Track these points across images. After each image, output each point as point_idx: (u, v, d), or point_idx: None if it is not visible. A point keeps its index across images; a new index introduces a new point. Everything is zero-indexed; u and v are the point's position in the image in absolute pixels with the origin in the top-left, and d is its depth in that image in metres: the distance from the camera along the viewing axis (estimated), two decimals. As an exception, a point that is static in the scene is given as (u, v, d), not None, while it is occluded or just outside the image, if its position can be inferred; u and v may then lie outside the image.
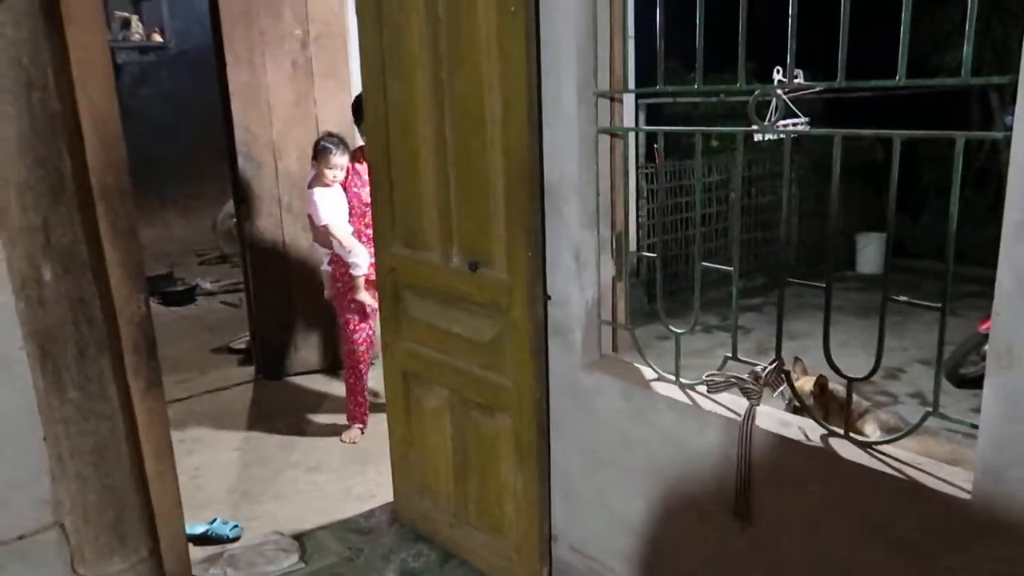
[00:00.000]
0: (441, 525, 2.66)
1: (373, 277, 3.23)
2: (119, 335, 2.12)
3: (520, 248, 2.10)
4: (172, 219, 7.30)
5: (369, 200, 2.90)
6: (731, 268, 1.81)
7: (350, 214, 3.48)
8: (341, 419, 3.77)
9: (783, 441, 1.69)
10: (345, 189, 3.48)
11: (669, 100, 6.22)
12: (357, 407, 3.64)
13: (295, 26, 4.20)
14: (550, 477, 2.30)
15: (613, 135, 2.04)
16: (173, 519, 2.34)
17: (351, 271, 3.43)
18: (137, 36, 6.20)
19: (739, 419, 1.74)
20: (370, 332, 3.60)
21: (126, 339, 2.14)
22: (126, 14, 6.15)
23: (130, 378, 2.16)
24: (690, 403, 1.87)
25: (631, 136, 5.22)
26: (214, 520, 2.86)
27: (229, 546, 2.75)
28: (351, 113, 3.53)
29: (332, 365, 4.51)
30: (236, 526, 2.87)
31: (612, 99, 2.02)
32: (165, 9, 6.43)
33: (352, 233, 3.46)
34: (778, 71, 2.77)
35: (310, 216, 3.53)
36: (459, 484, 2.53)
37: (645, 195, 6.02)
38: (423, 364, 2.54)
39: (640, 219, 6.17)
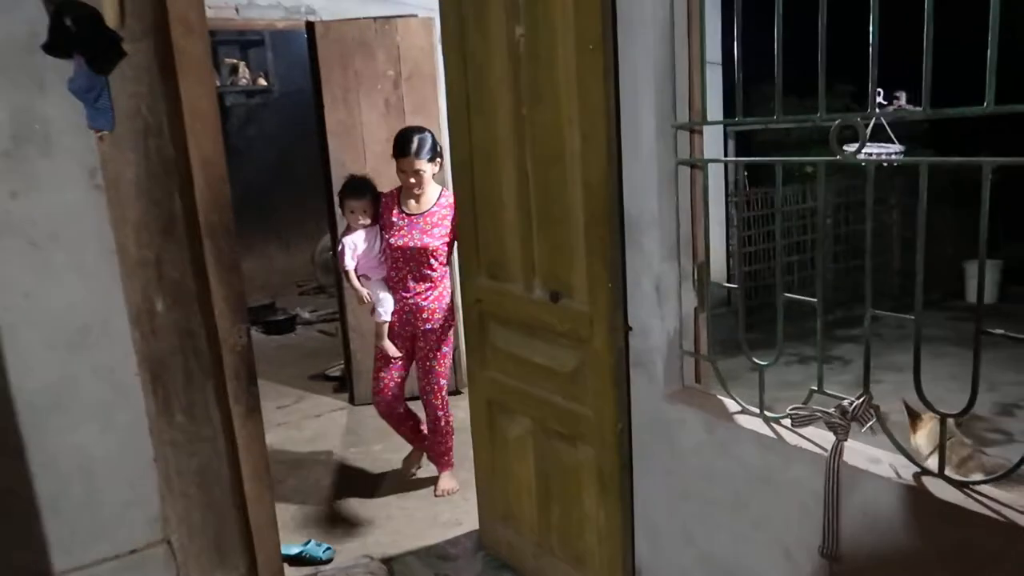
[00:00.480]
0: (525, 555, 2.68)
1: (397, 327, 3.31)
2: (222, 363, 2.26)
3: (600, 279, 2.12)
4: (274, 252, 7.66)
5: (394, 242, 3.18)
6: (815, 299, 1.77)
7: (383, 259, 3.33)
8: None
9: (873, 479, 1.63)
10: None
11: (760, 127, 6.15)
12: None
13: (388, 67, 4.40)
14: (633, 509, 2.28)
15: (693, 166, 2.04)
16: (269, 539, 2.44)
17: (374, 317, 3.36)
18: (244, 81, 6.61)
19: (826, 455, 1.69)
20: (391, 383, 3.37)
21: (228, 367, 2.28)
22: (234, 60, 6.58)
23: (232, 403, 2.29)
24: (775, 437, 1.83)
25: (720, 165, 5.19)
26: (308, 542, 2.98)
27: (322, 568, 2.85)
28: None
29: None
30: (328, 548, 2.97)
31: (691, 131, 2.02)
32: (270, 55, 6.84)
33: (382, 279, 3.34)
34: (879, 93, 2.70)
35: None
36: (542, 514, 2.55)
37: (735, 224, 5.94)
38: (506, 393, 2.58)
39: (731, 248, 6.09)
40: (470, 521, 3.05)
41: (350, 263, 3.26)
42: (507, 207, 2.40)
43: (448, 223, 3.20)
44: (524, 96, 2.24)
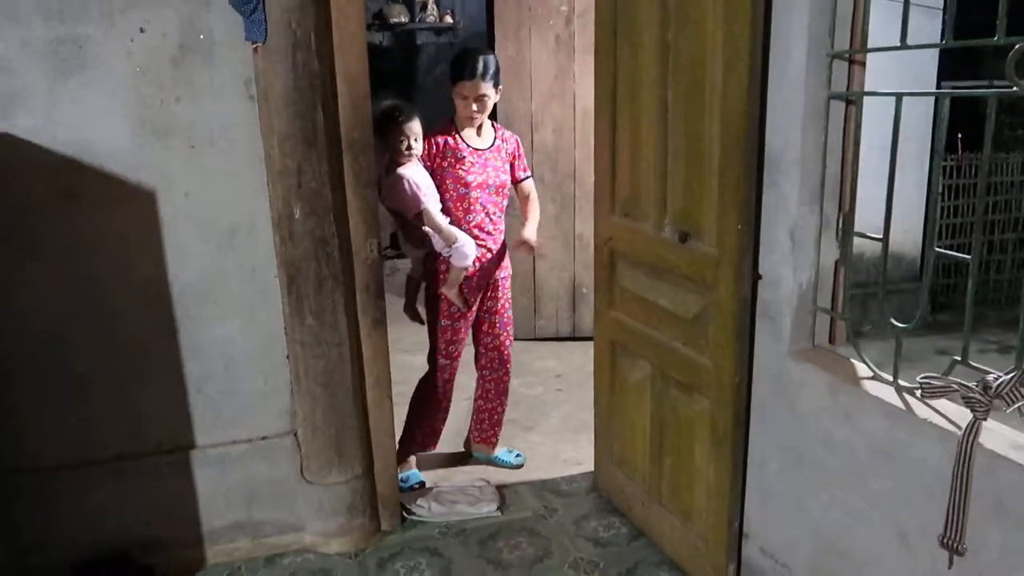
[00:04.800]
0: (634, 501, 2.62)
1: (476, 278, 2.85)
2: (352, 274, 2.37)
3: (731, 221, 1.97)
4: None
5: (471, 180, 2.76)
6: (968, 256, 1.53)
7: (444, 198, 2.80)
8: (570, 386, 3.83)
9: (1013, 467, 1.40)
10: (430, 172, 2.79)
11: (986, 83, 5.38)
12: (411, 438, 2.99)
13: (563, 2, 4.31)
14: (745, 469, 2.15)
15: (848, 101, 1.82)
16: (387, 445, 2.58)
17: (455, 263, 2.76)
18: (432, 18, 6.76)
19: (959, 434, 1.48)
20: (461, 350, 2.94)
21: (359, 278, 2.39)
22: (425, -2, 6.75)
23: (360, 313, 2.41)
24: (903, 408, 1.63)
25: (926, 122, 4.59)
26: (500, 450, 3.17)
27: (440, 483, 2.96)
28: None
29: (572, 334, 4.64)
30: (519, 455, 3.16)
31: (850, 60, 1.80)
32: (458, -8, 6.94)
33: (451, 222, 2.78)
34: None
35: (391, 210, 2.78)
36: (655, 462, 2.47)
37: (941, 191, 5.28)
38: (629, 335, 2.51)
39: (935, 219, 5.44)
40: (591, 463, 3.03)
41: (429, 201, 2.72)
42: (645, 141, 2.28)
43: (510, 162, 2.92)
44: (671, 20, 2.10)
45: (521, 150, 2.97)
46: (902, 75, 3.61)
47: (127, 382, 2.26)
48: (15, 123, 2.00)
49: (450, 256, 2.75)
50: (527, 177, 2.99)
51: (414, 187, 2.67)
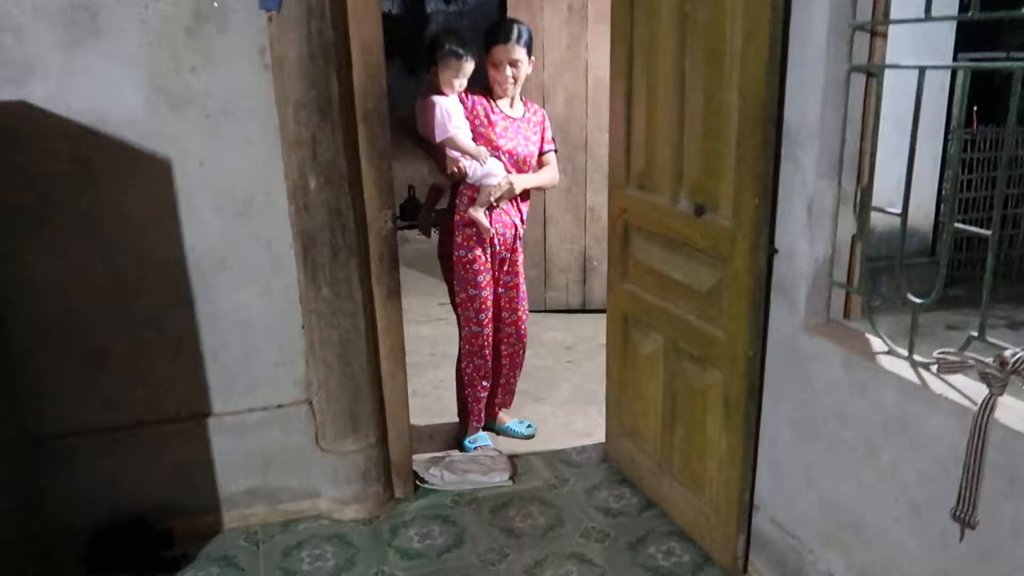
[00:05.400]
0: (645, 472, 2.65)
1: (498, 247, 2.84)
2: (367, 244, 2.38)
3: (747, 194, 1.96)
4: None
5: (502, 144, 2.74)
6: (988, 232, 1.52)
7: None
8: (580, 358, 3.85)
9: (1026, 441, 1.41)
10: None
11: (1004, 55, 5.29)
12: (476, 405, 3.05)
13: (576, -29, 4.25)
14: (757, 441, 2.16)
15: (869, 74, 1.80)
16: (400, 415, 2.60)
17: (485, 182, 2.75)
18: (443, -14, 6.71)
19: (974, 408, 1.49)
20: (490, 328, 2.92)
21: (373, 249, 2.39)
22: (436, -35, 6.69)
23: (374, 284, 2.42)
24: (918, 383, 1.63)
25: (938, 94, 4.52)
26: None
27: (452, 452, 2.99)
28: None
29: (583, 307, 4.65)
30: (530, 425, 3.19)
31: (872, 32, 1.77)
32: (469, -41, 6.86)
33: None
34: None
35: (414, 133, 2.80)
36: (666, 433, 2.49)
37: (957, 164, 5.22)
38: (642, 308, 2.51)
39: (946, 192, 5.39)
40: (601, 435, 3.05)
41: (456, 129, 2.69)
42: (661, 112, 2.27)
43: (539, 134, 2.90)
44: (689, -10, 2.08)
45: (548, 123, 2.96)
46: (919, 47, 3.56)
47: (145, 351, 2.28)
48: (31, 91, 1.99)
49: (482, 177, 2.74)
50: (551, 150, 2.97)
51: (444, 114, 2.66)
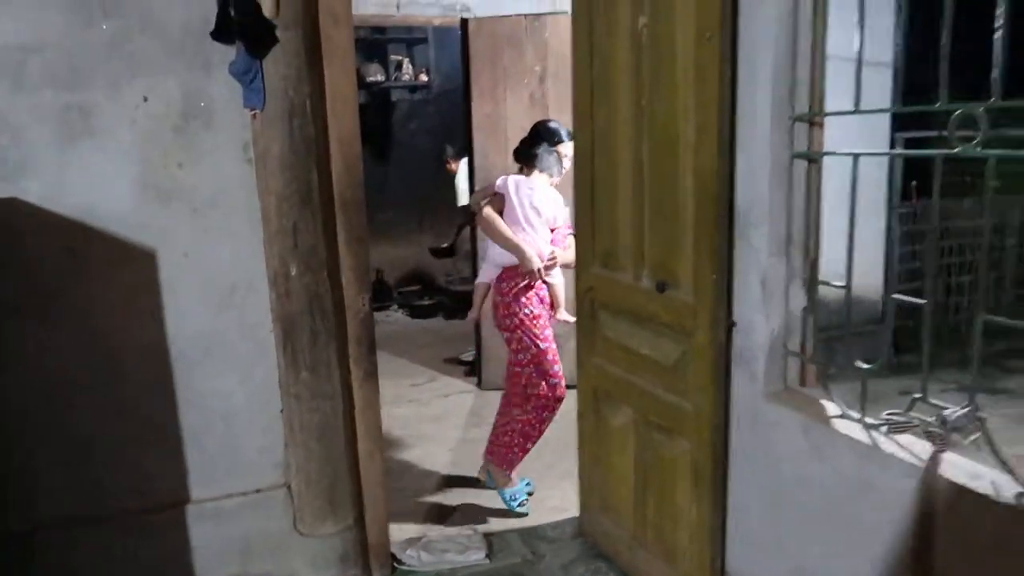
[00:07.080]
0: (621, 546, 2.69)
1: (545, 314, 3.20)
2: (345, 328, 2.46)
3: (706, 271, 2.10)
4: (427, 241, 8.01)
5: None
6: (923, 301, 1.67)
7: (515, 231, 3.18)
8: (553, 433, 3.91)
9: (970, 496, 1.52)
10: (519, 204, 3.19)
11: (935, 135, 5.67)
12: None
13: (535, 63, 4.52)
14: (726, 509, 2.24)
15: (809, 160, 1.98)
16: (378, 495, 2.63)
17: (552, 281, 3.21)
18: (407, 77, 6.98)
19: (923, 466, 1.60)
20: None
21: (351, 332, 2.47)
22: (400, 57, 6.97)
23: (352, 366, 2.49)
24: (870, 444, 1.74)
25: (881, 172, 4.83)
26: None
27: (429, 531, 3.00)
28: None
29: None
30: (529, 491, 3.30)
31: (811, 122, 1.96)
32: (432, 52, 7.17)
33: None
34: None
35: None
36: (639, 506, 2.55)
37: (899, 237, 5.52)
38: (612, 383, 2.61)
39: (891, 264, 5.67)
40: (576, 509, 3.09)
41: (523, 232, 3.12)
42: (622, 197, 2.43)
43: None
44: (644, 86, 2.26)
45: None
46: (861, 127, 3.84)
47: (129, 442, 2.30)
48: (25, 188, 2.08)
49: (551, 278, 3.19)
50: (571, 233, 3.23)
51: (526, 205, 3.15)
